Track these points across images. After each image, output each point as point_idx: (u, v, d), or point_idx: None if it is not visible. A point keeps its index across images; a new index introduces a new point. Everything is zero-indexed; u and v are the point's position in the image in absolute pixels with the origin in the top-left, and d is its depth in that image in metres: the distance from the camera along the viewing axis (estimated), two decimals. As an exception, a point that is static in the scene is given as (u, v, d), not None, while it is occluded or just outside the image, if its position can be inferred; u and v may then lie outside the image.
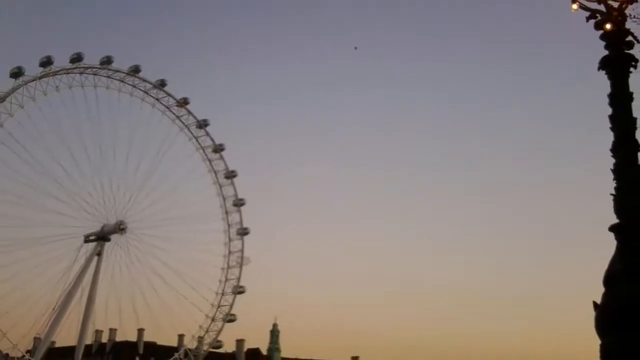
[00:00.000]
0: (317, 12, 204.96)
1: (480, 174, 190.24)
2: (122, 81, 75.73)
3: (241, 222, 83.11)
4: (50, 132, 74.45)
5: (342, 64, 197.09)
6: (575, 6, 6.32)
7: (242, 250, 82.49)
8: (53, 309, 69.08)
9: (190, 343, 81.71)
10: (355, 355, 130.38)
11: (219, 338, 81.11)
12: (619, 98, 6.14)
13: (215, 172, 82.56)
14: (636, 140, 6.02)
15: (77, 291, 71.47)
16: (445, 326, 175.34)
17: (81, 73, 72.23)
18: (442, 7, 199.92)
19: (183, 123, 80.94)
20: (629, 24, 6.32)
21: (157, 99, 79.09)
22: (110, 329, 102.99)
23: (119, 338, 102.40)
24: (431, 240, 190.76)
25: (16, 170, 69.11)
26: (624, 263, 5.63)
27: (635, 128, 6.08)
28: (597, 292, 5.72)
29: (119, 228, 73.74)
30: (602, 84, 6.34)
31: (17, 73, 66.99)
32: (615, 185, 5.94)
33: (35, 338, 74.85)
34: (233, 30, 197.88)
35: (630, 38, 6.28)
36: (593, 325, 5.57)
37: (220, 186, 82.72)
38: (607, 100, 6.16)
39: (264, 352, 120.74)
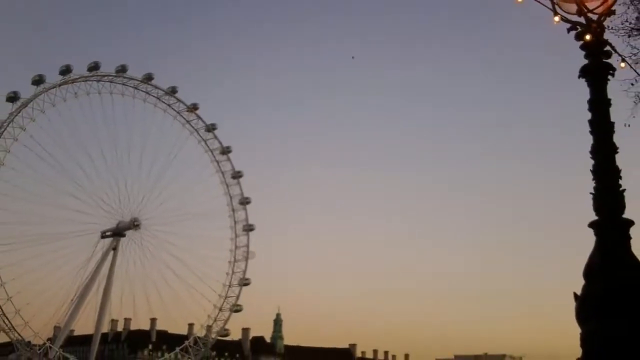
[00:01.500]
0: (317, 23, 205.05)
1: (474, 174, 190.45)
2: (136, 88, 75.84)
3: (247, 219, 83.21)
4: (69, 136, 74.70)
5: (340, 71, 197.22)
6: (557, 19, 6.36)
7: (247, 245, 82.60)
8: (72, 300, 69.26)
9: (199, 331, 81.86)
10: (352, 342, 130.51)
11: (226, 327, 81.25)
12: (598, 104, 6.16)
13: (222, 173, 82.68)
14: (614, 144, 6.04)
15: (94, 283, 71.63)
16: (435, 315, 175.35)
17: (98, 81, 72.33)
18: (441, 19, 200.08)
19: (193, 127, 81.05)
20: (607, 35, 6.34)
21: (169, 105, 79.19)
22: (125, 319, 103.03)
23: (133, 327, 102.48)
24: (424, 238, 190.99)
25: (38, 171, 69.34)
26: (602, 257, 5.66)
27: (613, 132, 6.10)
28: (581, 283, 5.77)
29: (133, 225, 73.84)
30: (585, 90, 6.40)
31: (38, 80, 67.06)
32: (594, 185, 5.97)
33: (55, 327, 74.90)
34: (239, 41, 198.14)
35: (608, 48, 6.31)
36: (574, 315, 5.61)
37: (227, 186, 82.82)
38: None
39: (268, 339, 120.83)
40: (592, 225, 5.77)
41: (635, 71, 9.64)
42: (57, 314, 68.92)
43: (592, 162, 5.93)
